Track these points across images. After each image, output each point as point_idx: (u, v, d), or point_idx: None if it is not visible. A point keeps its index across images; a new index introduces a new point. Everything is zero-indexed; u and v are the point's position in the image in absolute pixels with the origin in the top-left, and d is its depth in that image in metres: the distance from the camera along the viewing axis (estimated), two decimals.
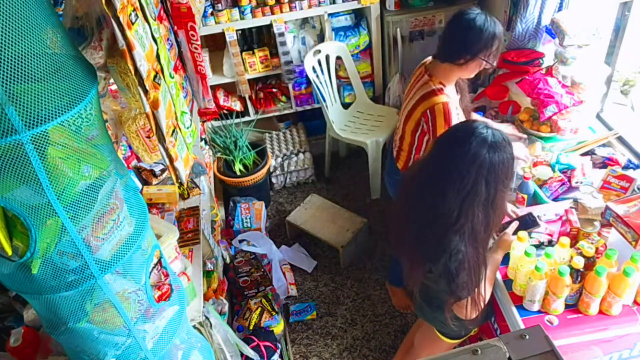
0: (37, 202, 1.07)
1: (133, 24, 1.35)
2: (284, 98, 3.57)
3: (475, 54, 1.89)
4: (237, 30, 3.13)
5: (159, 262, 1.43)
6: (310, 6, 3.12)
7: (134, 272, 1.32)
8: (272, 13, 3.09)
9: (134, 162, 2.33)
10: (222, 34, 3.12)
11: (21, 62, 0.96)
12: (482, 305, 1.55)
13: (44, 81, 1.01)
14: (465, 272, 1.44)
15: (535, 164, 2.16)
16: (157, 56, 1.56)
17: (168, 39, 1.95)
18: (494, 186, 1.39)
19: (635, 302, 1.63)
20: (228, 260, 2.78)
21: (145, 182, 2.39)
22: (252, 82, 3.49)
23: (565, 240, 1.67)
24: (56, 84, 1.04)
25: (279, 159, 3.53)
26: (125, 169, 1.36)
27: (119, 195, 1.26)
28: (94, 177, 1.16)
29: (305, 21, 3.34)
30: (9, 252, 1.11)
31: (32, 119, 0.99)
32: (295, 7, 3.10)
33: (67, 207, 1.11)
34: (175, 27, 2.21)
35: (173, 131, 1.61)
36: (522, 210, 1.93)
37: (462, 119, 2.09)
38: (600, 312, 1.62)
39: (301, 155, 3.55)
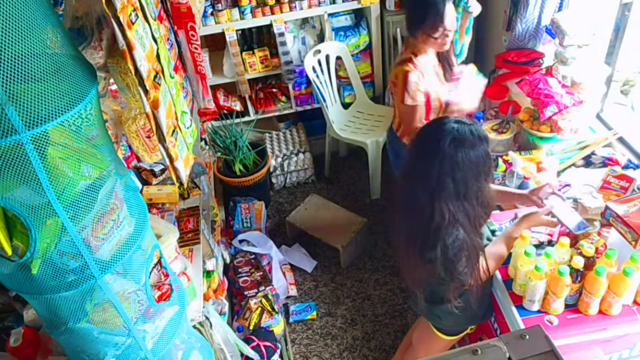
0: (37, 202, 1.07)
1: (133, 24, 1.35)
2: (284, 98, 3.57)
3: (418, 29, 2.05)
4: (237, 30, 3.13)
5: (159, 262, 1.43)
6: (310, 6, 3.12)
7: (134, 272, 1.32)
8: (272, 13, 3.09)
9: (134, 162, 2.33)
10: (222, 34, 3.12)
11: (21, 62, 0.96)
12: (488, 273, 1.59)
13: (44, 81, 1.01)
14: (463, 261, 1.46)
15: (539, 170, 2.16)
16: (157, 56, 1.56)
17: (168, 39, 1.95)
18: (463, 182, 1.38)
19: (635, 302, 1.63)
20: (228, 260, 2.78)
21: (145, 182, 2.39)
22: (252, 82, 3.49)
23: (565, 240, 1.67)
24: (56, 84, 1.04)
25: (279, 159, 3.53)
26: (125, 169, 1.36)
27: (119, 195, 1.26)
28: (94, 177, 1.16)
29: (305, 21, 3.34)
30: (9, 252, 1.11)
31: (32, 119, 0.99)
32: (295, 7, 3.10)
33: (67, 207, 1.11)
34: (175, 27, 2.20)
35: (173, 131, 1.61)
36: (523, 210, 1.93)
37: (438, 88, 2.19)
38: (600, 312, 1.62)
39: (301, 155, 3.55)
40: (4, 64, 0.93)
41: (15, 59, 0.95)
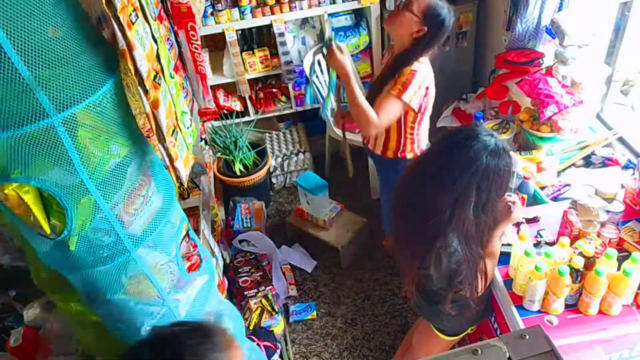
0: (70, 182, 1.11)
1: (133, 24, 1.34)
2: (284, 98, 3.57)
3: None
4: (237, 30, 3.13)
5: (187, 234, 1.50)
6: (310, 6, 3.12)
7: (164, 245, 1.39)
8: (272, 13, 3.09)
9: None
10: (222, 34, 3.12)
11: (47, 46, 0.99)
12: (488, 282, 1.60)
13: (68, 65, 1.04)
14: (464, 269, 1.47)
15: (539, 170, 2.16)
16: (157, 56, 1.56)
17: (168, 39, 1.95)
18: (486, 192, 1.40)
19: (635, 302, 1.63)
20: (228, 260, 2.78)
21: None
22: (252, 82, 3.49)
23: (565, 240, 1.67)
24: (81, 67, 1.07)
25: (279, 159, 3.53)
26: (150, 145, 1.40)
27: (147, 172, 1.32)
28: (122, 155, 1.21)
29: (305, 21, 3.34)
30: (48, 231, 1.16)
31: (61, 102, 1.03)
32: (295, 7, 3.10)
33: (99, 186, 1.17)
34: (176, 27, 2.20)
35: (173, 131, 1.61)
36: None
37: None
38: (600, 312, 1.63)
39: (301, 155, 3.55)
40: (32, 49, 0.96)
41: (41, 43, 0.97)
